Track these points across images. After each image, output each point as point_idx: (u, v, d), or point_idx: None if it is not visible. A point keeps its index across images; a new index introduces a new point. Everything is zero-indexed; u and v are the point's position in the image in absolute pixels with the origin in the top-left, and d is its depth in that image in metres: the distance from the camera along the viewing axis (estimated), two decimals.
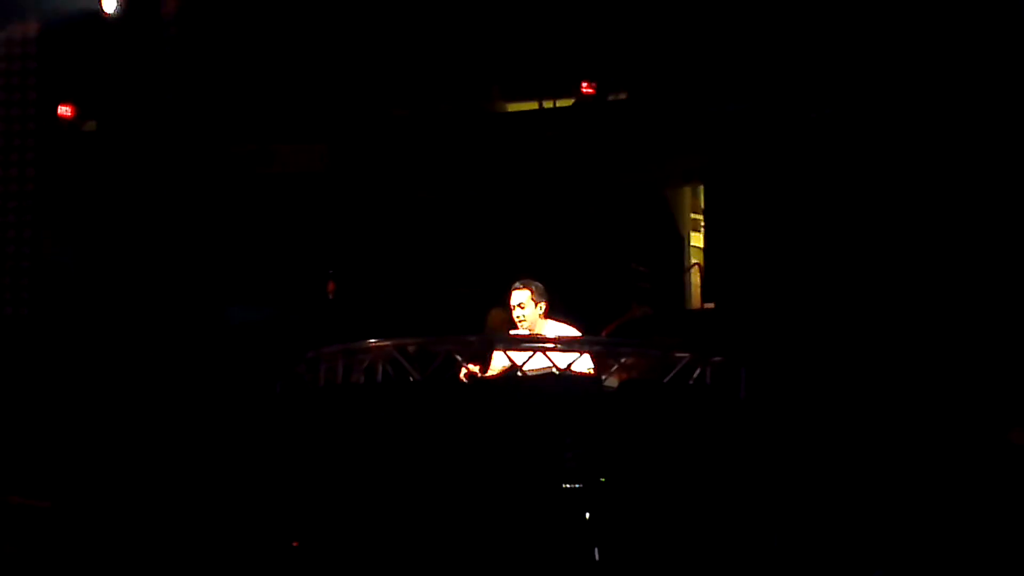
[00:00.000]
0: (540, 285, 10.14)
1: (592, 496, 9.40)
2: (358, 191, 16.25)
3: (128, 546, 11.60)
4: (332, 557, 9.89)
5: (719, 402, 9.88)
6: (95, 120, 16.57)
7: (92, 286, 16.03)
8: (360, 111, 16.16)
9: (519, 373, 9.49)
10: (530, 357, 9.43)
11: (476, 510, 9.42)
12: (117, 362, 14.83)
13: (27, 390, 14.90)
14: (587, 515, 9.34)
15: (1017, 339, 12.26)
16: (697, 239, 15.83)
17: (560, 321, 10.23)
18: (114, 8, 15.60)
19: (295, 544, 10.25)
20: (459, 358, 9.64)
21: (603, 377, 9.66)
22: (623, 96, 15.77)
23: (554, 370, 9.46)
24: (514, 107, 16.38)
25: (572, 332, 10.14)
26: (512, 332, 10.11)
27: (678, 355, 9.75)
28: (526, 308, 10.09)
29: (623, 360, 9.75)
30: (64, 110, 16.34)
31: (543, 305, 10.13)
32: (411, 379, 9.51)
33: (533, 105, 16.17)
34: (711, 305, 15.21)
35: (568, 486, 9.41)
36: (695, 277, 15.82)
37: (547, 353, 9.47)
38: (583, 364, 9.61)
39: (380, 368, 9.72)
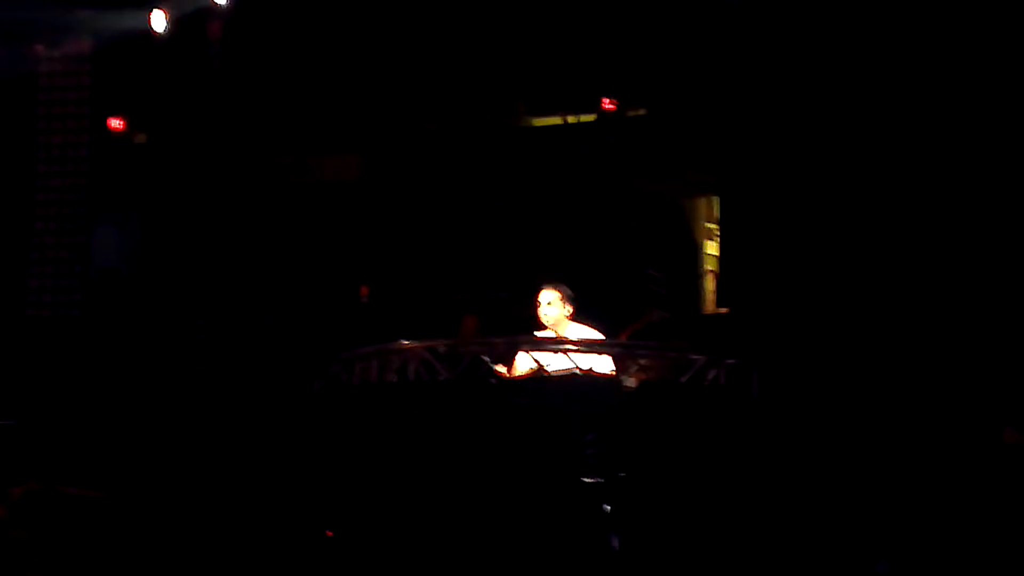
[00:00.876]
0: (568, 289, 10.20)
1: (611, 490, 9.35)
2: (389, 200, 16.20)
3: (176, 535, 11.60)
4: (365, 547, 9.89)
5: (733, 402, 9.84)
6: (145, 132, 16.55)
7: (142, 289, 16.08)
8: (391, 124, 16.17)
9: (543, 374, 9.50)
10: (554, 358, 9.49)
11: (502, 503, 9.43)
12: (165, 361, 14.98)
13: (80, 387, 15.07)
14: (607, 508, 9.30)
15: (1012, 344, 12.22)
16: (711, 247, 15.72)
17: (584, 324, 10.26)
18: (163, 28, 15.80)
19: (329, 534, 10.28)
20: (486, 359, 9.54)
21: (622, 378, 9.58)
22: (642, 112, 15.61)
23: (576, 371, 9.46)
24: (539, 122, 16.17)
25: (594, 335, 10.18)
26: (537, 333, 10.17)
27: (693, 357, 9.73)
28: (553, 307, 10.15)
29: (641, 362, 9.69)
30: (116, 123, 16.35)
31: (569, 308, 10.18)
32: (441, 378, 9.49)
33: (557, 120, 16.07)
34: (725, 310, 15.20)
35: (589, 480, 9.38)
36: (709, 283, 15.70)
37: (569, 354, 9.50)
38: (604, 365, 9.64)
39: (412, 368, 9.64)
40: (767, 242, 14.54)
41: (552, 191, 15.51)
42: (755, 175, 14.76)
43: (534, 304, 10.20)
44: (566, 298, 10.17)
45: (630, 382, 9.60)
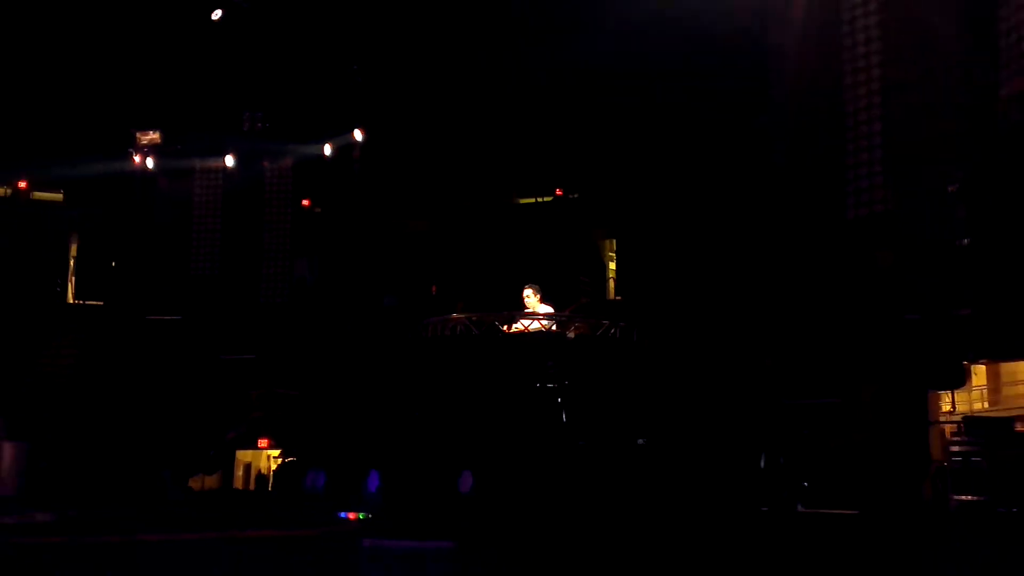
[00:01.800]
0: (538, 286, 10.14)
1: (562, 391, 9.39)
2: (444, 241, 15.86)
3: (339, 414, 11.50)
4: (430, 430, 9.68)
5: (622, 345, 9.78)
6: (321, 207, 16.25)
7: (319, 291, 15.78)
8: (444, 205, 15.84)
9: (526, 331, 9.61)
10: (532, 323, 9.68)
11: (504, 397, 9.43)
12: (340, 331, 14.41)
13: (289, 340, 14.57)
14: (559, 399, 9.33)
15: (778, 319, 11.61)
16: (612, 264, 15.70)
17: (546, 304, 10.19)
18: (330, 152, 15.80)
19: (416, 414, 10.09)
20: (497, 323, 9.66)
21: (566, 333, 9.69)
22: (574, 196, 15.51)
23: (544, 329, 9.57)
24: (523, 201, 15.99)
25: (550, 310, 10.11)
26: (525, 311, 9.98)
27: (603, 321, 9.85)
28: (531, 298, 10.08)
29: (576, 324, 9.83)
30: (305, 202, 16.10)
31: (539, 296, 10.13)
32: (473, 333, 9.56)
33: (532, 200, 15.91)
34: (619, 298, 15.02)
35: (550, 385, 9.44)
36: (611, 284, 15.49)
37: (541, 321, 9.66)
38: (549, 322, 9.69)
39: (459, 328, 9.70)
40: (640, 262, 14.56)
41: (530, 236, 15.27)
42: (634, 229, 14.78)
43: (521, 295, 10.06)
44: (537, 291, 10.14)
45: (570, 335, 9.77)
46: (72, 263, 15.83)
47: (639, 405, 9.71)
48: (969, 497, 8.79)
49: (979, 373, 11.24)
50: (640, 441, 9.44)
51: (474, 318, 9.58)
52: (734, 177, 12.85)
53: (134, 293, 15.25)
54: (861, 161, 11.52)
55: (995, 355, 10.72)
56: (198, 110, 15.23)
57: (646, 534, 7.58)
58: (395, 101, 15.37)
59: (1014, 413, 10.57)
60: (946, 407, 11.05)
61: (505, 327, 9.66)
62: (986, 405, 11.23)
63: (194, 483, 12.57)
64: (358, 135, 15.52)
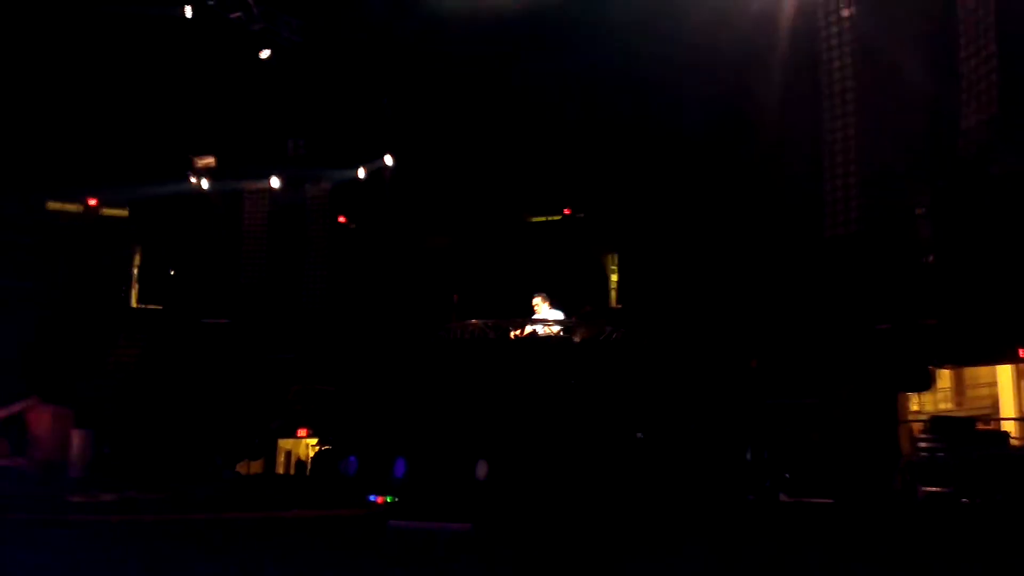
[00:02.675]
0: (545, 294, 10.11)
1: (569, 385, 9.23)
2: (463, 257, 15.78)
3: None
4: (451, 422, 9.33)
5: (623, 347, 9.70)
6: (355, 224, 16.32)
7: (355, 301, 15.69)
8: (462, 224, 15.80)
9: (536, 335, 9.61)
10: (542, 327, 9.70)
11: (520, 389, 9.22)
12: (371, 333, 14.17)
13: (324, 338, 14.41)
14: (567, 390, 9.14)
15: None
16: (614, 277, 15.67)
17: (555, 310, 10.13)
18: (363, 175, 15.83)
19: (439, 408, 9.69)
20: (510, 328, 9.63)
21: (573, 336, 9.63)
22: (580, 215, 15.47)
23: (552, 333, 9.56)
24: (535, 219, 15.93)
25: (559, 315, 10.06)
26: (534, 317, 9.94)
27: (606, 327, 9.80)
28: (540, 305, 10.05)
29: (582, 329, 9.77)
30: (341, 218, 16.15)
31: (547, 303, 10.09)
32: (490, 336, 9.53)
33: (543, 218, 15.86)
34: (619, 306, 15.00)
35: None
36: (613, 294, 15.56)
37: (550, 326, 9.67)
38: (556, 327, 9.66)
39: (476, 332, 9.65)
40: (639, 274, 14.58)
41: (540, 251, 15.20)
42: (633, 245, 14.80)
43: (531, 302, 10.01)
44: (545, 298, 10.09)
45: (577, 338, 9.71)
46: (135, 272, 15.94)
47: (637, 402, 9.51)
48: (935, 489, 8.71)
49: (944, 377, 11.22)
50: (639, 435, 9.29)
51: (490, 323, 9.52)
52: (723, 199, 12.81)
53: (189, 299, 15.37)
54: (837, 186, 11.50)
55: (958, 361, 10.65)
56: (248, 138, 15.32)
57: (644, 519, 7.56)
58: (420, 130, 15.41)
59: (976, 413, 10.57)
60: (915, 407, 11.05)
61: (518, 331, 9.62)
62: (951, 406, 11.23)
63: (241, 468, 12.58)
64: (388, 160, 15.61)
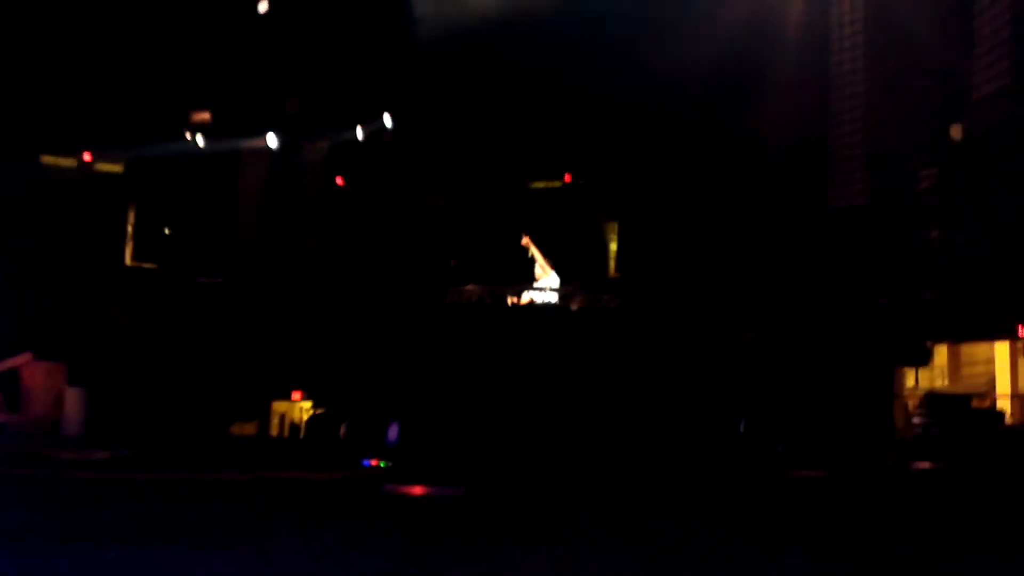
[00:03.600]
0: (544, 261, 10.15)
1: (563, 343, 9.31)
2: (462, 221, 15.58)
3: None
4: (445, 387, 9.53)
5: (619, 315, 9.83)
6: (353, 185, 15.89)
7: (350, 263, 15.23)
8: (466, 186, 15.54)
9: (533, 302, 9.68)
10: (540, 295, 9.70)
11: (515, 356, 9.35)
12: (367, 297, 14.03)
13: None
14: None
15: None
16: (613, 246, 15.58)
17: (550, 276, 10.14)
18: (362, 136, 15.46)
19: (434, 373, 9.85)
20: (507, 295, 9.66)
21: (570, 304, 9.70)
22: (581, 182, 15.32)
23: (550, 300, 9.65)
24: (535, 185, 15.71)
25: (556, 282, 10.03)
26: (533, 285, 9.96)
27: (603, 296, 9.96)
28: (538, 271, 10.09)
29: (579, 297, 9.88)
30: (339, 179, 15.77)
31: (545, 270, 10.14)
32: (487, 303, 9.62)
33: (544, 184, 15.67)
34: (619, 274, 14.95)
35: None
36: (612, 262, 15.47)
37: (548, 294, 9.79)
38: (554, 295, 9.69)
39: (474, 298, 9.78)
40: (639, 244, 14.53)
41: (540, 217, 14.57)
42: (634, 214, 14.74)
43: (528, 268, 10.05)
44: (544, 265, 10.14)
45: (574, 307, 9.81)
46: (130, 229, 15.82)
47: (633, 371, 9.57)
48: (927, 464, 8.77)
49: (940, 353, 11.21)
50: (633, 405, 9.32)
51: (488, 290, 9.62)
52: (725, 169, 12.71)
53: (184, 257, 15.18)
54: (843, 157, 11.42)
55: (956, 337, 10.65)
56: (245, 95, 15.07)
57: (641, 487, 7.61)
58: (420, 91, 15.18)
59: (971, 391, 10.57)
60: (910, 383, 11.06)
61: (515, 298, 9.73)
62: (946, 383, 11.25)
63: (234, 429, 12.61)
64: (388, 121, 15.35)
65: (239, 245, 15.29)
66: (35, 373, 11.56)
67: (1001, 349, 11.00)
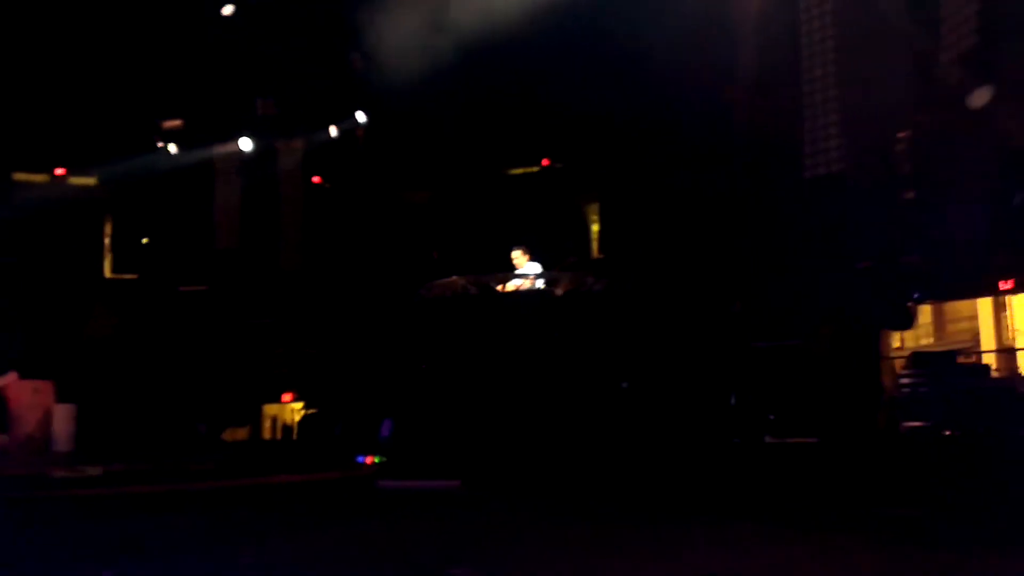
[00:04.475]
0: (525, 247, 10.11)
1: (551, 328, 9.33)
2: (442, 212, 15.66)
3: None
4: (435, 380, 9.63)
5: (603, 296, 9.71)
6: (331, 184, 16.00)
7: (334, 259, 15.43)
8: (443, 178, 15.57)
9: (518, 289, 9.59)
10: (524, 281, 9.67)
11: (500, 337, 9.35)
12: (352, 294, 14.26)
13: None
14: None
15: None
16: (595, 227, 15.65)
17: (535, 263, 10.13)
18: (336, 133, 15.42)
19: (423, 367, 10.02)
20: (491, 284, 9.56)
21: (555, 290, 9.59)
22: (559, 166, 15.30)
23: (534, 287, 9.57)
24: (514, 171, 15.73)
25: (539, 268, 10.03)
26: (516, 272, 9.91)
27: (587, 278, 9.82)
28: (520, 258, 10.05)
29: (564, 281, 9.76)
30: (316, 178, 15.80)
31: (527, 256, 10.09)
32: (471, 292, 9.49)
33: (521, 170, 15.68)
34: (602, 256, 14.94)
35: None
36: (595, 243, 15.44)
37: (533, 280, 9.66)
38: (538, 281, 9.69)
39: (459, 289, 9.63)
40: (620, 223, 14.53)
41: (521, 203, 15.01)
42: (614, 194, 14.76)
43: (510, 256, 10.03)
44: (525, 251, 10.09)
45: (559, 291, 9.66)
46: (107, 241, 15.71)
47: (622, 351, 9.60)
48: (917, 423, 8.85)
49: (924, 312, 11.32)
50: (624, 384, 9.39)
51: (472, 280, 9.50)
52: (702, 142, 12.65)
53: (165, 267, 15.16)
54: (818, 125, 11.43)
55: (939, 297, 10.74)
56: (215, 98, 14.96)
57: (631, 464, 7.62)
58: (393, 85, 15.10)
59: (956, 347, 10.69)
60: (896, 343, 11.15)
61: (500, 287, 9.60)
62: (932, 340, 11.37)
63: (227, 435, 12.57)
64: (361, 117, 15.29)
65: (219, 251, 15.19)
66: (21, 393, 11.46)
67: (984, 305, 11.12)
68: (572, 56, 13.83)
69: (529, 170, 15.64)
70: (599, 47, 13.22)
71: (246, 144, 15.35)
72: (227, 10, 14.37)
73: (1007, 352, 10.71)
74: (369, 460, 8.64)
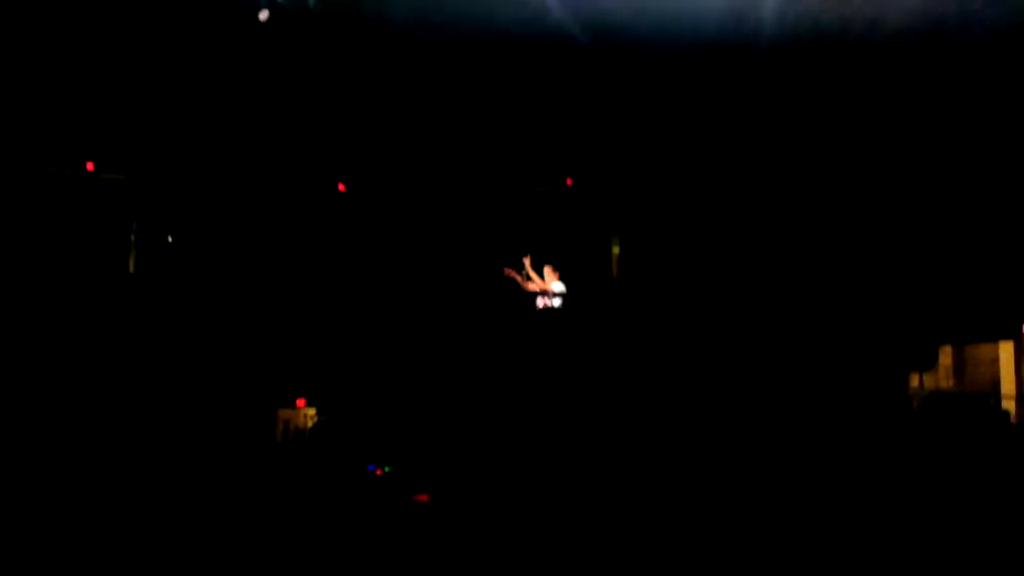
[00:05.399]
0: (554, 266, 10.46)
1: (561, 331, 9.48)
2: (466, 227, 15.23)
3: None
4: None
5: (625, 318, 10.30)
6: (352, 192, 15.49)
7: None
8: (478, 193, 15.36)
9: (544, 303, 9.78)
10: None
11: (519, 355, 9.52)
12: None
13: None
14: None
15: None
16: (616, 249, 15.55)
17: (557, 280, 10.29)
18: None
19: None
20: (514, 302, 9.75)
21: (576, 309, 9.97)
22: (583, 185, 15.17)
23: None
24: (542, 189, 15.42)
25: (563, 288, 10.23)
26: (543, 291, 10.20)
27: (609, 299, 10.40)
28: (550, 275, 10.40)
29: (584, 301, 10.21)
30: (341, 186, 15.11)
31: (556, 275, 10.40)
32: (493, 310, 10.03)
33: (544, 190, 15.44)
34: (622, 277, 14.38)
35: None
36: (615, 264, 15.51)
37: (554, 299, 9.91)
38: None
39: (479, 306, 10.12)
40: (640, 246, 14.37)
41: (548, 222, 14.81)
42: (635, 217, 14.65)
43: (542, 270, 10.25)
44: (554, 270, 10.41)
45: (579, 310, 10.04)
46: (132, 239, 15.72)
47: (636, 366, 9.83)
48: (933, 466, 8.73)
49: (945, 353, 11.21)
50: (640, 410, 9.40)
51: (493, 297, 10.09)
52: (726, 171, 12.72)
53: (190, 264, 14.94)
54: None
55: (961, 340, 10.61)
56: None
57: (657, 490, 7.58)
58: (416, 101, 15.08)
59: (975, 391, 10.56)
60: (914, 383, 11.04)
61: (521, 305, 10.01)
62: (951, 383, 11.24)
63: (240, 438, 12.52)
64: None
65: (238, 255, 14.97)
66: None
67: (1006, 349, 11.03)
68: (596, 72, 13.72)
69: (552, 189, 15.21)
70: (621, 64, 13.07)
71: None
72: (263, 15, 14.27)
73: None
74: (379, 472, 8.61)
